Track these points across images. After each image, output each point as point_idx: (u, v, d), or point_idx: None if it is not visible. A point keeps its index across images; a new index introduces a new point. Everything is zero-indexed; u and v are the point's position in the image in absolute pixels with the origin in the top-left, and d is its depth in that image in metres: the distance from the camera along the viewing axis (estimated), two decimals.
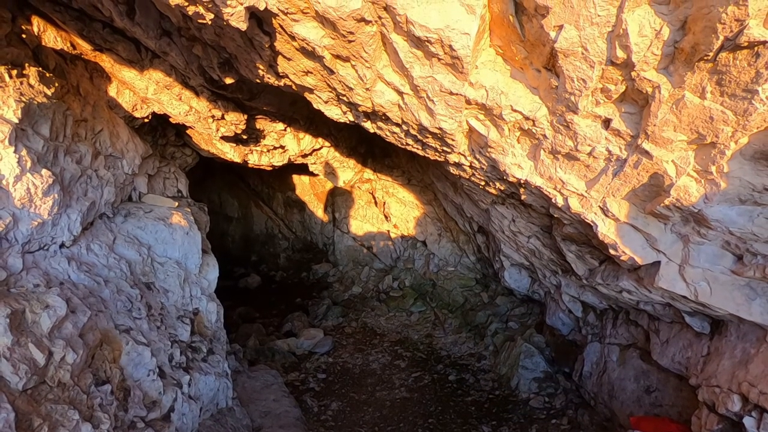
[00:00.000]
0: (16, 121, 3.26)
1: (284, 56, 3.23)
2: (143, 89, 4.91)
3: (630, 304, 4.17)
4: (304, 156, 8.52)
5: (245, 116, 5.79)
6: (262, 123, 6.51)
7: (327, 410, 6.59)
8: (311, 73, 3.34)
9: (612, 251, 3.14)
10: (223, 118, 5.43)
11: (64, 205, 3.63)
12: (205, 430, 4.35)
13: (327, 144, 8.43)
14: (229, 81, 4.22)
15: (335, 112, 4.05)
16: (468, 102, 2.79)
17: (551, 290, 6.58)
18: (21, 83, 3.50)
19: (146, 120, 5.51)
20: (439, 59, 2.51)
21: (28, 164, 3.25)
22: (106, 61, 4.78)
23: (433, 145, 3.58)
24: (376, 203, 12.72)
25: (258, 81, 3.94)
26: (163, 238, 5.24)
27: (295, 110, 6.60)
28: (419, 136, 3.48)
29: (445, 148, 3.53)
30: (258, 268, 14.56)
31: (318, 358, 8.48)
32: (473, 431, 5.90)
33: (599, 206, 2.98)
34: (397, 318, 10.61)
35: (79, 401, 2.79)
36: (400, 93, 2.96)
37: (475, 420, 6.15)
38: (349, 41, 2.58)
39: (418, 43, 2.45)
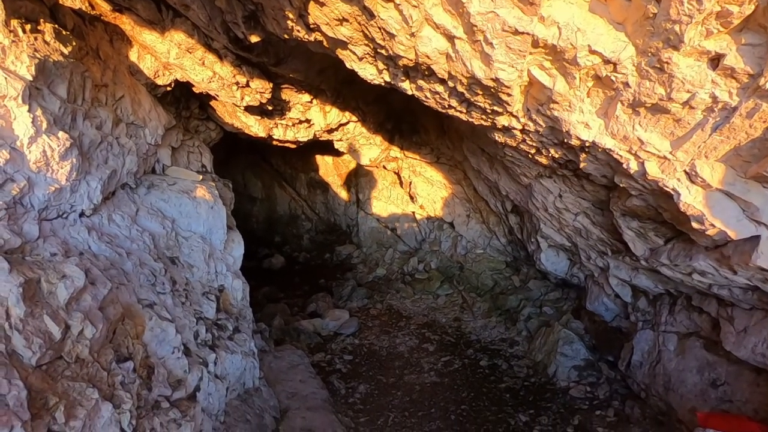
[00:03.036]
0: (30, 78, 3.02)
1: (317, 2, 2.85)
2: (165, 53, 4.63)
3: (698, 288, 3.70)
4: (330, 131, 8.17)
5: (271, 84, 5.46)
6: (287, 93, 6.18)
7: (355, 393, 6.39)
8: (346, 21, 2.96)
9: (695, 224, 2.69)
10: (248, 85, 5.12)
11: (84, 171, 3.41)
12: (232, 411, 4.17)
13: (354, 119, 8.05)
14: (254, 39, 3.87)
15: (370, 72, 3.66)
16: (535, 44, 2.36)
17: (595, 273, 6.11)
18: (35, 39, 3.25)
19: (169, 88, 5.25)
20: None
21: (44, 125, 3.01)
22: (126, 23, 4.51)
23: (481, 104, 3.16)
24: (401, 184, 12.35)
25: (286, 37, 3.58)
26: (187, 212, 5.03)
27: (323, 80, 6.23)
28: (467, 94, 3.07)
29: (495, 108, 3.11)
30: (281, 249, 14.50)
31: (344, 339, 8.29)
32: (509, 420, 5.58)
33: (684, 171, 2.53)
34: (423, 301, 10.32)
35: (99, 379, 2.58)
36: (451, 38, 2.55)
37: (510, 408, 5.83)
38: None
39: None
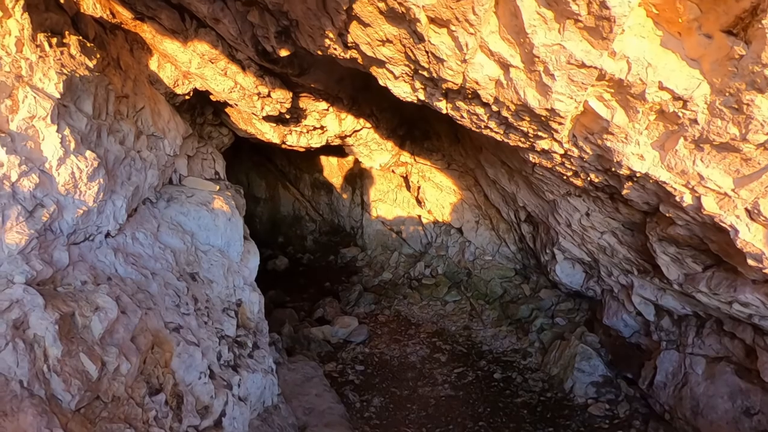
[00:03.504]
0: (58, 96, 2.88)
1: (361, 22, 2.73)
2: (186, 63, 4.49)
3: (735, 316, 3.64)
4: (343, 137, 8.05)
5: (291, 94, 5.33)
6: (305, 101, 6.05)
7: (369, 406, 6.31)
8: (390, 42, 2.84)
9: (752, 262, 2.62)
10: (269, 95, 4.99)
11: (109, 190, 3.28)
12: None
13: (368, 125, 7.93)
14: (283, 53, 3.75)
15: (403, 90, 3.55)
16: (600, 77, 2.27)
17: (614, 289, 6.05)
18: (62, 53, 3.12)
19: (187, 97, 5.12)
20: (578, 20, 1.99)
21: (72, 145, 2.89)
22: (147, 32, 4.36)
23: (525, 129, 3.06)
24: (408, 187, 12.25)
25: (319, 53, 3.46)
26: (205, 225, 4.91)
27: (341, 88, 6.11)
28: (511, 119, 2.97)
29: (540, 134, 3.01)
30: (285, 250, 14.37)
31: (354, 348, 8.21)
32: None
33: (746, 208, 2.45)
34: (431, 307, 10.24)
35: (135, 416, 2.48)
36: (506, 66, 2.45)
37: (528, 425, 5.77)
38: None
39: None
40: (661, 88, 2.18)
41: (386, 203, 12.73)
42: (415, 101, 3.72)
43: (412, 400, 6.50)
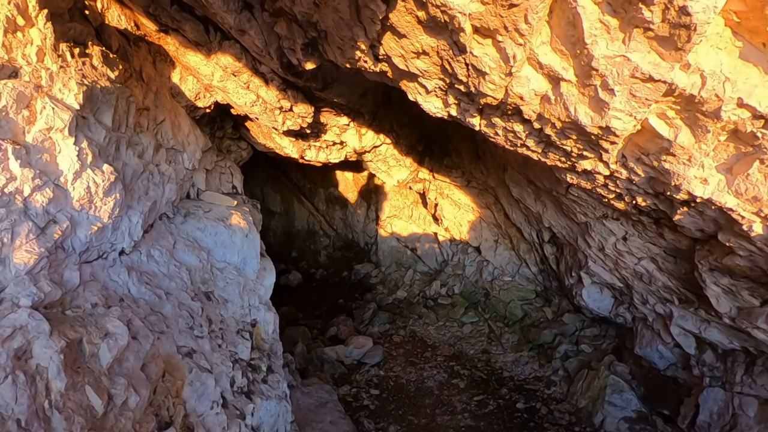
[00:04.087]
0: (77, 107, 2.76)
1: (396, 32, 2.56)
2: (208, 75, 4.39)
3: None
4: (362, 153, 7.91)
5: (312, 109, 5.21)
6: (326, 116, 5.93)
7: None
8: (425, 54, 2.66)
9: None
10: (291, 110, 4.86)
11: (125, 205, 3.13)
12: None
13: (388, 141, 7.78)
14: (309, 66, 3.61)
15: (434, 105, 3.36)
16: (669, 92, 2.04)
17: (649, 318, 5.68)
18: (83, 63, 3.01)
19: (208, 110, 5.02)
20: (648, 29, 1.78)
21: (89, 158, 2.75)
22: (170, 44, 4.29)
23: (568, 148, 2.83)
24: (425, 204, 12.04)
25: (347, 66, 3.30)
26: (222, 241, 4.75)
27: (363, 103, 5.97)
28: (554, 137, 2.75)
29: (585, 153, 2.78)
30: (298, 265, 14.22)
31: (368, 370, 7.90)
32: None
33: None
34: (447, 328, 9.90)
35: None
36: (556, 80, 2.24)
37: None
38: (510, 6, 1.88)
39: (621, 5, 1.72)
40: (741, 105, 1.94)
41: (401, 219, 12.53)
42: (445, 117, 3.53)
43: (430, 429, 6.16)
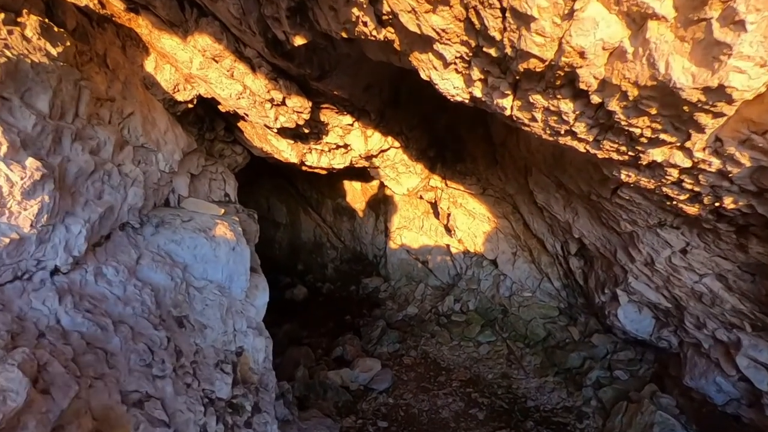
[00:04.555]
0: None
1: None
2: (187, 62, 3.78)
3: None
4: (369, 158, 7.25)
5: (310, 103, 4.56)
6: (327, 114, 5.28)
7: None
8: (445, 3, 1.97)
9: None
10: (283, 103, 4.22)
11: (62, 211, 2.48)
12: None
13: (396, 144, 7.11)
14: (298, 41, 2.95)
15: (453, 84, 2.67)
16: None
17: (704, 344, 4.83)
18: (10, 33, 2.40)
19: (190, 106, 4.41)
20: None
21: (3, 149, 2.10)
22: (142, 26, 3.70)
23: (637, 131, 2.10)
24: (436, 214, 11.33)
25: (343, 35, 2.63)
26: (203, 255, 4.08)
27: (368, 99, 5.32)
28: (620, 114, 2.02)
29: (664, 137, 2.05)
30: (304, 279, 13.62)
31: (376, 398, 7.13)
32: None
33: None
34: (462, 349, 9.08)
35: None
36: (640, 19, 1.53)
37: None
38: None
39: None
40: None
41: (412, 231, 11.84)
42: (467, 100, 2.83)
43: None
